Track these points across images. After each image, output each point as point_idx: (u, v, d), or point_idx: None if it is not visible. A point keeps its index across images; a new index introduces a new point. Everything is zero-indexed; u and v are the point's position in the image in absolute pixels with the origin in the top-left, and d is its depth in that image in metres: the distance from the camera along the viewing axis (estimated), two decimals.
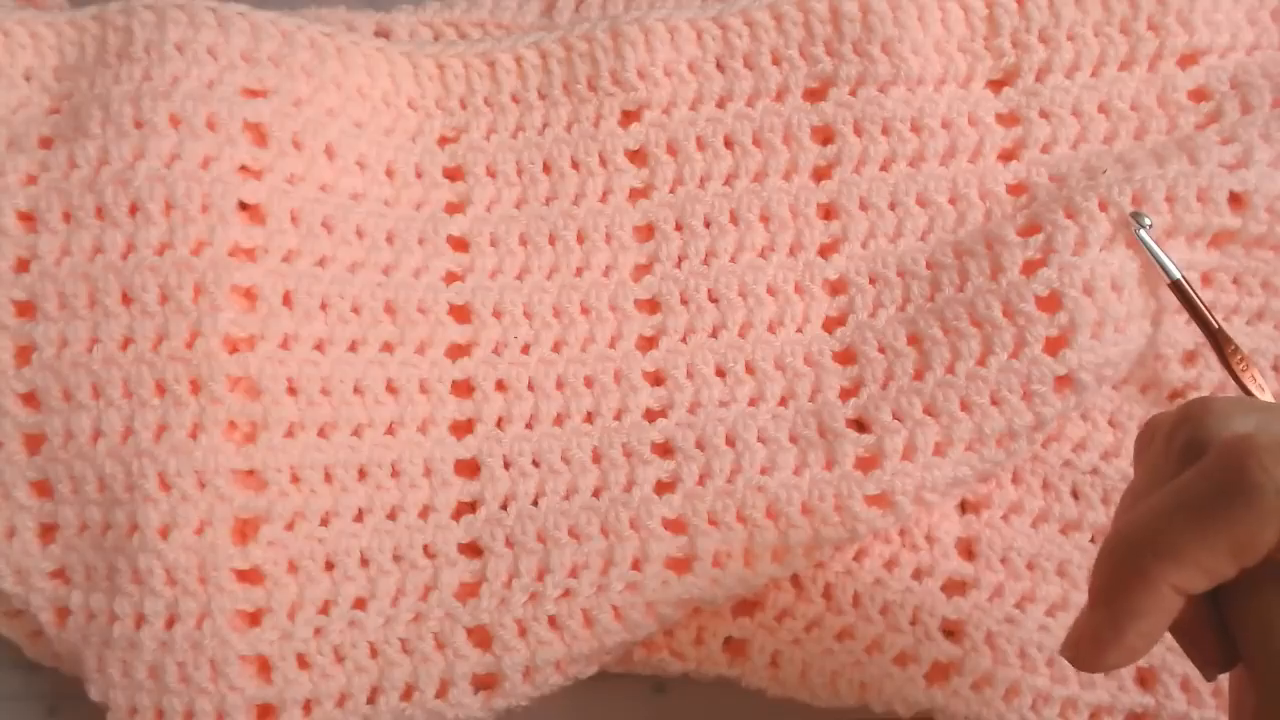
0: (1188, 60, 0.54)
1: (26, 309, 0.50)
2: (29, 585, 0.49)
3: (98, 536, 0.49)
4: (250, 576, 0.48)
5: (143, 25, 0.51)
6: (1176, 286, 0.49)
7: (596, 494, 0.51)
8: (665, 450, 0.52)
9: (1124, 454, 0.53)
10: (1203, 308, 0.50)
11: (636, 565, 0.50)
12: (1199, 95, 0.54)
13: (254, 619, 0.48)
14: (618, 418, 0.52)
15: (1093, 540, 0.52)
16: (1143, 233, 0.49)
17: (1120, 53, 0.54)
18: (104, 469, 0.48)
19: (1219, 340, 0.50)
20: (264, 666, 0.48)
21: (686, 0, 0.57)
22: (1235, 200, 0.50)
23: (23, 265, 0.50)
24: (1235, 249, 0.52)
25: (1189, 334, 0.52)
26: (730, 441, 0.51)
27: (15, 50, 0.53)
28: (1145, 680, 0.51)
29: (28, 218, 0.50)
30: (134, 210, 0.49)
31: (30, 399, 0.49)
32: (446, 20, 0.58)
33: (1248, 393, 0.50)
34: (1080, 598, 0.51)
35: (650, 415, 0.52)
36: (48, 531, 0.50)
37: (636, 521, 0.50)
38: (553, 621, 0.49)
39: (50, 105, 0.52)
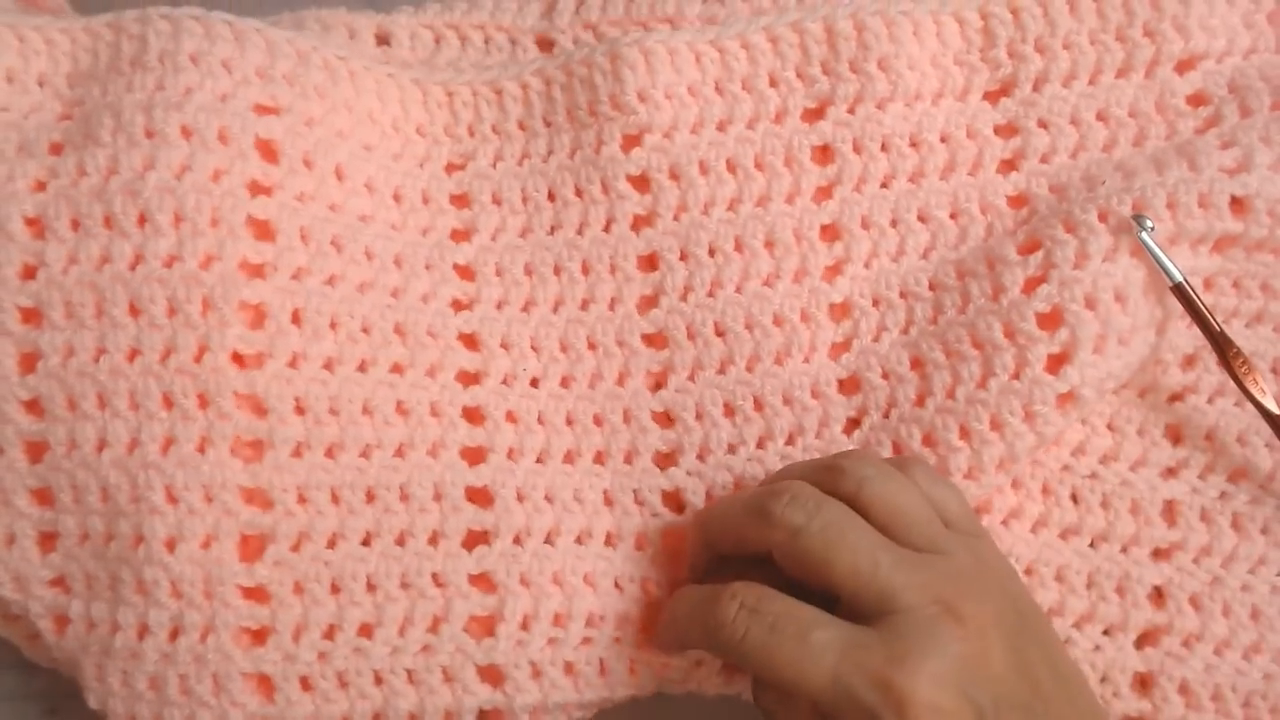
0: (1185, 66, 0.52)
1: (32, 316, 0.47)
2: (28, 593, 0.47)
3: (100, 546, 0.46)
4: (256, 594, 0.46)
5: (158, 35, 0.49)
6: (1179, 290, 0.47)
7: (609, 542, 0.50)
8: (676, 501, 0.50)
9: (1122, 458, 0.51)
10: (1205, 311, 0.48)
11: (645, 629, 0.49)
12: (1197, 100, 0.52)
13: (258, 637, 0.46)
14: (628, 461, 0.50)
15: (1092, 545, 0.50)
16: (1144, 235, 0.47)
17: (1117, 60, 0.52)
18: (108, 479, 0.46)
19: (1221, 344, 0.48)
20: (266, 685, 0.46)
21: (687, 3, 0.55)
22: (1237, 205, 0.49)
23: (29, 272, 0.47)
24: (1236, 253, 0.51)
25: (1189, 338, 0.51)
26: (738, 488, 0.50)
27: (30, 56, 0.50)
28: (1143, 684, 0.49)
29: (35, 224, 0.47)
30: (143, 221, 0.47)
31: (34, 406, 0.47)
32: (447, 22, 0.55)
33: (1249, 396, 0.48)
34: (1077, 603, 0.50)
35: (660, 460, 0.51)
36: (47, 540, 0.47)
37: (650, 584, 0.49)
38: (569, 668, 0.47)
39: (62, 111, 0.50)
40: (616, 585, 0.49)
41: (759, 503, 0.44)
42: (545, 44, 0.56)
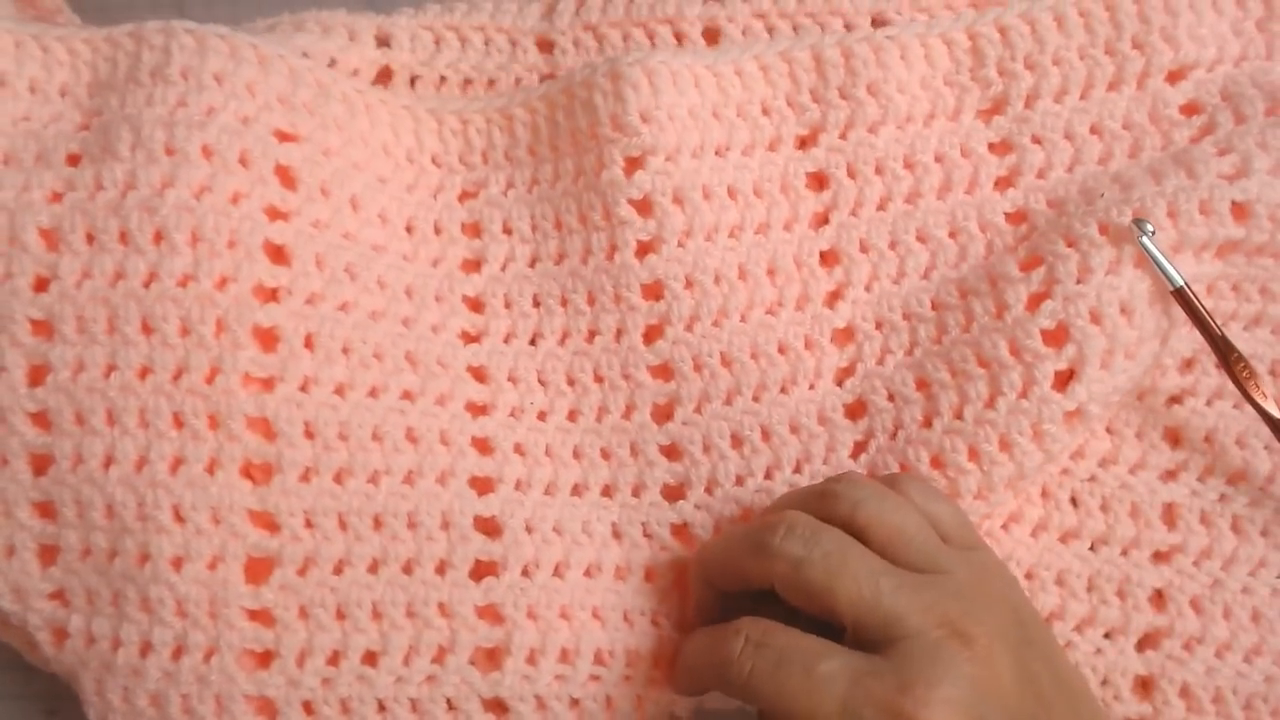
0: (1176, 76, 0.53)
1: (43, 328, 0.46)
2: (26, 605, 0.47)
3: (102, 562, 0.46)
4: (261, 617, 0.46)
5: (181, 49, 0.48)
6: (1180, 294, 0.48)
7: (619, 575, 0.49)
8: (685, 535, 0.50)
9: (1121, 461, 0.51)
10: (1207, 316, 0.48)
11: (658, 664, 0.48)
12: (1191, 109, 0.53)
13: (262, 660, 0.46)
14: (636, 494, 0.50)
15: (1091, 548, 0.50)
16: (1145, 240, 0.47)
17: (1107, 73, 0.53)
18: (114, 496, 0.45)
19: (1223, 348, 0.48)
20: (269, 709, 0.45)
21: (688, 4, 0.55)
22: (1237, 210, 0.49)
23: (42, 284, 0.47)
24: (1237, 258, 0.51)
25: (1188, 341, 0.51)
26: (746, 519, 0.49)
27: (53, 66, 0.50)
28: (1144, 687, 0.49)
29: (50, 236, 0.47)
30: (159, 239, 0.46)
31: (40, 419, 0.46)
32: (447, 24, 0.55)
33: (1252, 401, 0.48)
34: (1078, 606, 0.50)
35: (669, 493, 0.50)
36: (48, 553, 0.47)
37: (658, 618, 0.49)
38: (575, 703, 0.47)
39: (81, 121, 0.49)
40: (626, 619, 0.48)
41: (756, 538, 0.44)
42: (545, 45, 0.56)
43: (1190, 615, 0.50)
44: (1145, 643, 0.50)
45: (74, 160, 0.48)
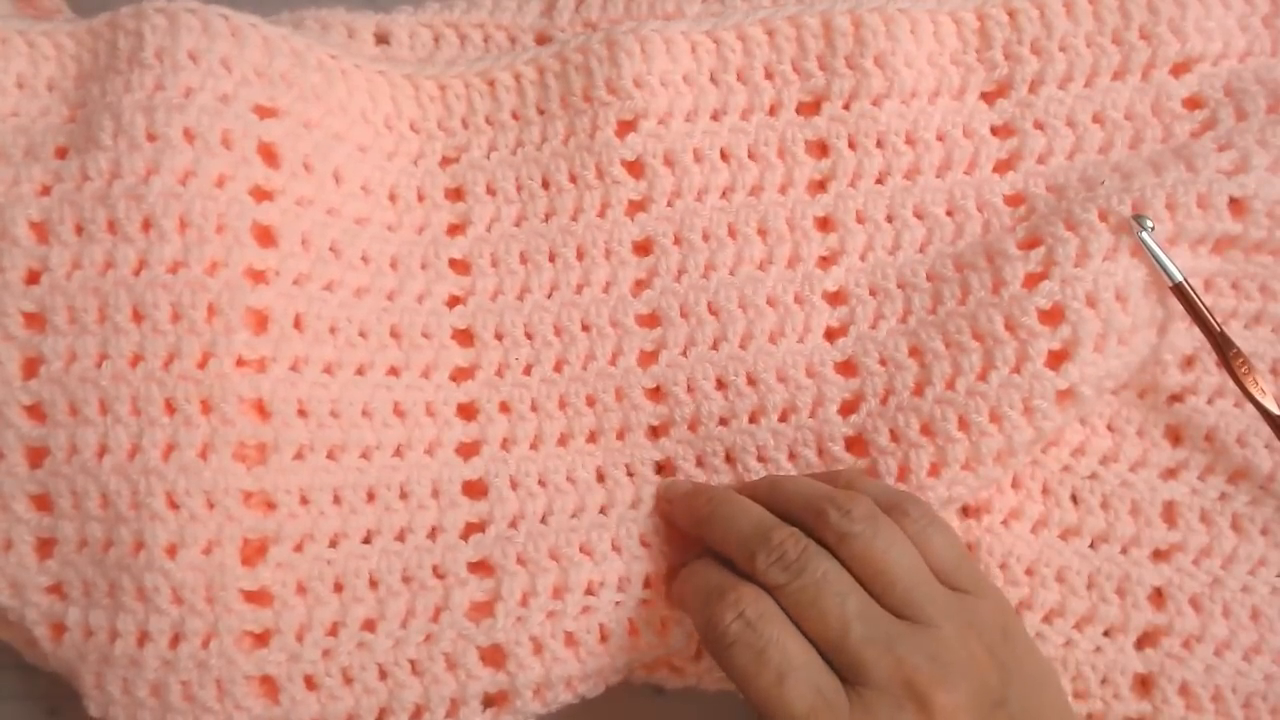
0: (1181, 68, 0.53)
1: (36, 321, 0.46)
2: (24, 599, 0.47)
3: (98, 553, 0.46)
4: (258, 598, 0.46)
5: (154, 30, 0.48)
6: (1179, 290, 0.47)
7: (604, 512, 0.50)
8: (668, 470, 0.50)
9: (1122, 459, 0.51)
10: (1205, 312, 0.48)
11: (649, 584, 0.48)
12: (1193, 103, 0.52)
13: (261, 640, 0.46)
14: (620, 437, 0.51)
15: (1091, 546, 0.50)
16: (1144, 235, 0.47)
17: (1113, 62, 0.52)
18: (108, 485, 0.45)
19: (1221, 344, 0.48)
20: (270, 687, 0.45)
21: (687, 2, 0.55)
22: (1235, 206, 0.49)
23: (34, 277, 0.47)
24: (1235, 254, 0.51)
25: (1188, 338, 0.51)
26: (730, 459, 0.50)
27: (39, 61, 0.50)
28: (1144, 686, 0.49)
29: (40, 229, 0.47)
30: (147, 226, 0.46)
31: (35, 411, 0.46)
32: (446, 21, 0.55)
33: (1250, 396, 0.48)
34: (1078, 604, 0.50)
35: (652, 434, 0.51)
36: (45, 546, 0.47)
37: (647, 538, 0.49)
38: (570, 639, 0.47)
39: (68, 114, 0.49)
40: (614, 547, 0.49)
41: (750, 547, 0.44)
42: (544, 42, 0.56)
43: (1190, 613, 0.50)
44: (1145, 640, 0.50)
45: (61, 153, 0.48)
